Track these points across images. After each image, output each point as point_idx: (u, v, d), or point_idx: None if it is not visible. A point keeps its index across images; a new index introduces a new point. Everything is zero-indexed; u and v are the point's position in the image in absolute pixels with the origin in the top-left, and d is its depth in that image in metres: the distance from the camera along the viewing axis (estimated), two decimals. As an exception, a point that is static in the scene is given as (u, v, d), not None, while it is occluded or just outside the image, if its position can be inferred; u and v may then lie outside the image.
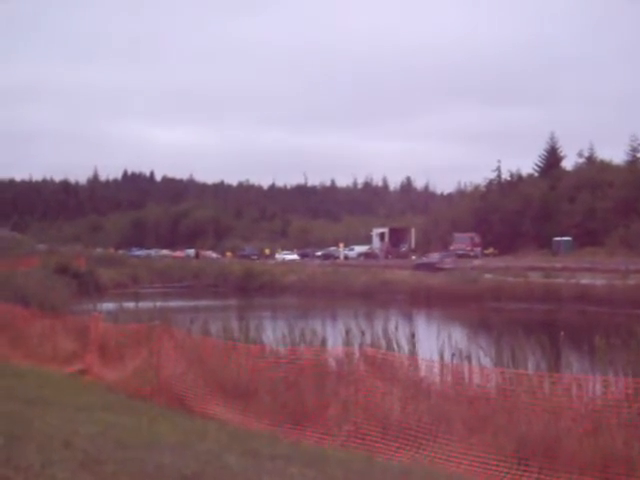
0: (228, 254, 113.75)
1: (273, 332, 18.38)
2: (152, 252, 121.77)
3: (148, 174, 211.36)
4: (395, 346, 15.77)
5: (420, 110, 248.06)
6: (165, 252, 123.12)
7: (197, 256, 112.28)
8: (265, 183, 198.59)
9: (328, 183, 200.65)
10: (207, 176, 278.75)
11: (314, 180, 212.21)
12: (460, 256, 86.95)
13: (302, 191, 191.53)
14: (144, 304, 26.95)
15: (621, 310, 40.73)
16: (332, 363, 13.73)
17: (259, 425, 12.32)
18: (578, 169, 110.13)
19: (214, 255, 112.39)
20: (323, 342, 16.71)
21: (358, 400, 11.88)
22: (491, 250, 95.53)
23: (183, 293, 66.17)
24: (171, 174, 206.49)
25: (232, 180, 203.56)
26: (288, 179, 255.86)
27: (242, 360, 14.51)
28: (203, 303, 50.86)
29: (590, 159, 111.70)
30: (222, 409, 13.37)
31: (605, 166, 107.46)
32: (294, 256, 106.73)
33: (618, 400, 10.62)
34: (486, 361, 13.92)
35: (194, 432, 10.56)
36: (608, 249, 78.90)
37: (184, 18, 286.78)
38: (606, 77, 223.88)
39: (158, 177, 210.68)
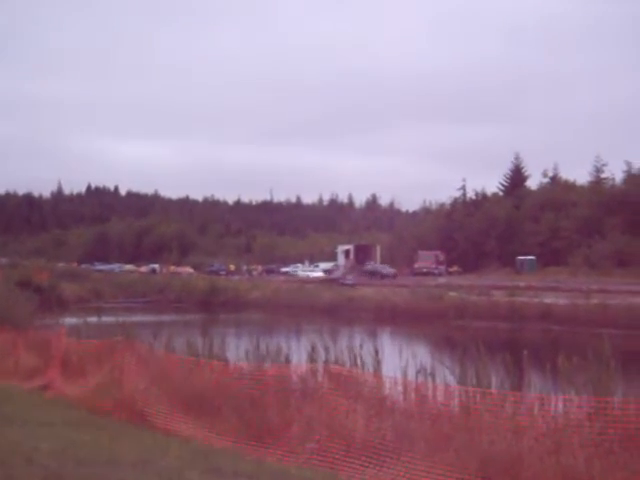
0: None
1: (237, 348, 18.31)
2: (115, 267, 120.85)
3: (112, 189, 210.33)
4: (359, 363, 15.75)
5: (386, 128, 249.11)
6: (129, 267, 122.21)
7: (157, 271, 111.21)
8: (230, 199, 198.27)
9: (294, 199, 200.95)
10: (172, 191, 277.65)
11: (280, 196, 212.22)
12: (425, 274, 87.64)
13: (267, 207, 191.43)
14: (107, 319, 26.76)
15: (583, 329, 41.02)
16: (296, 380, 13.70)
17: (222, 442, 12.24)
18: (542, 189, 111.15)
19: (190, 270, 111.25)
20: (287, 359, 16.66)
21: (322, 417, 11.85)
22: (455, 268, 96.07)
23: (146, 308, 65.76)
24: (136, 189, 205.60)
25: (197, 195, 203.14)
26: (254, 195, 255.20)
27: (206, 376, 14.44)
28: (167, 318, 50.59)
29: (554, 179, 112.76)
30: (185, 425, 13.28)
31: (569, 186, 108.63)
32: (319, 273, 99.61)
33: (580, 419, 10.68)
34: (450, 379, 13.94)
35: (156, 449, 10.48)
36: (571, 268, 79.52)
37: (152, 33, 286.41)
38: (571, 98, 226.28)
39: (122, 192, 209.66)
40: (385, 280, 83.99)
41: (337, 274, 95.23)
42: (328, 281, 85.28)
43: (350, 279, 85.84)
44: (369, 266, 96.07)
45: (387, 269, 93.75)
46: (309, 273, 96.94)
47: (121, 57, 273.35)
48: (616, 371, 13.33)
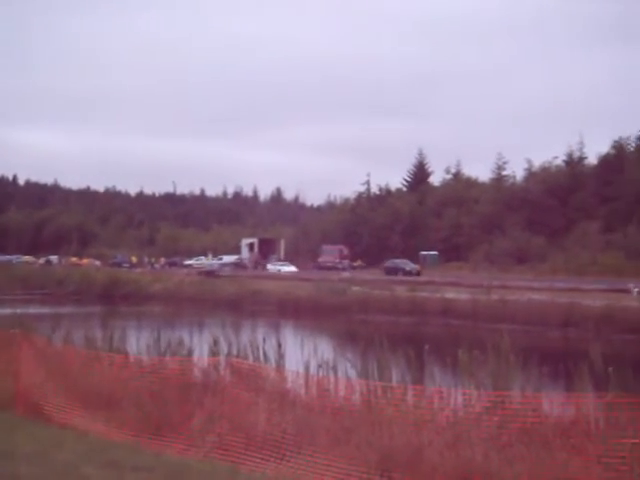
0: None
1: (138, 341, 18.09)
2: (13, 258, 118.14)
3: (10, 178, 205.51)
4: (262, 357, 15.71)
5: (292, 122, 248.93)
6: (28, 258, 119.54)
7: (52, 263, 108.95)
8: (133, 190, 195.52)
9: (198, 192, 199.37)
10: (72, 181, 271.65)
11: (183, 188, 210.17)
12: (329, 268, 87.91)
13: (171, 199, 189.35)
14: (3, 311, 26.16)
15: (483, 324, 41.69)
16: (198, 373, 13.58)
17: (121, 436, 12.07)
18: (445, 185, 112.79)
19: (96, 262, 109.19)
20: (189, 352, 16.52)
21: (223, 411, 11.77)
22: (359, 262, 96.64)
23: (45, 300, 64.44)
24: (35, 178, 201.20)
25: (98, 186, 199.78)
26: (157, 187, 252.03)
27: (105, 369, 14.21)
28: (66, 311, 49.67)
29: (457, 176, 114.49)
30: (83, 419, 13.05)
31: (471, 183, 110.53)
32: (291, 268, 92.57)
33: (479, 413, 10.82)
34: (352, 373, 13.99)
35: (52, 442, 10.27)
36: (472, 264, 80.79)
37: (55, 16, 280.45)
38: (475, 95, 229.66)
39: (21, 181, 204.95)
40: (409, 277, 74.90)
41: (213, 266, 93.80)
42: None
43: (226, 271, 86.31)
44: (390, 262, 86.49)
45: (410, 265, 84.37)
46: (280, 268, 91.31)
47: (21, 42, 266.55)
48: (515, 366, 13.56)
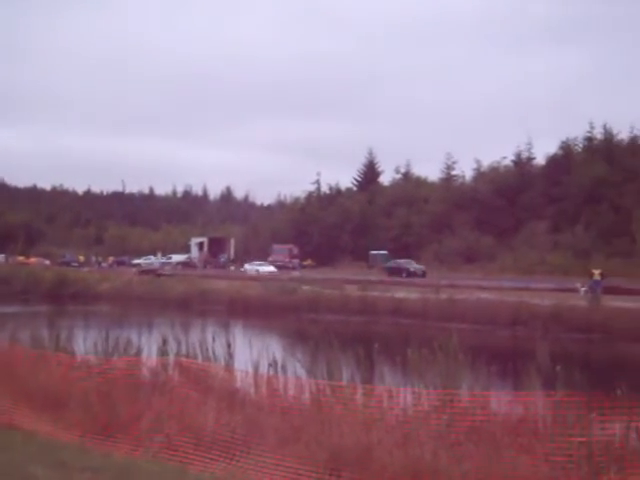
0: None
1: (85, 341, 17.91)
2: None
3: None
4: (211, 356, 15.64)
5: (242, 121, 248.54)
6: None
7: None
8: (80, 188, 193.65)
9: (146, 191, 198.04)
10: (19, 180, 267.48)
11: (132, 187, 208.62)
12: (279, 267, 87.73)
13: (119, 198, 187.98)
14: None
15: (433, 323, 41.88)
16: (146, 373, 13.49)
17: (69, 436, 11.94)
18: (395, 185, 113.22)
19: (46, 261, 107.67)
20: (138, 352, 16.40)
21: (172, 411, 11.70)
22: (309, 262, 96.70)
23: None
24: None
25: (46, 184, 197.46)
26: (105, 185, 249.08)
27: (52, 370, 14.05)
28: (11, 310, 49.07)
29: (407, 175, 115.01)
30: (30, 420, 12.88)
31: (421, 182, 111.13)
32: (270, 268, 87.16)
33: (428, 411, 10.87)
34: (301, 372, 13.99)
35: (-2, 444, 10.13)
36: (422, 263, 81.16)
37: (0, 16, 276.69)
38: (425, 95, 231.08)
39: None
40: (414, 279, 69.72)
41: (155, 265, 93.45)
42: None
43: (168, 270, 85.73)
44: (392, 262, 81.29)
45: (413, 265, 78.78)
46: (258, 268, 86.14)
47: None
48: (463, 365, 13.64)
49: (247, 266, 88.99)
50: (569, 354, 28.62)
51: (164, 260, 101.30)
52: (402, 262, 79.72)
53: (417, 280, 64.33)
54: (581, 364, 14.93)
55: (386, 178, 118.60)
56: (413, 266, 77.74)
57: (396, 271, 75.75)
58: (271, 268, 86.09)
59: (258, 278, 69.66)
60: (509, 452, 9.38)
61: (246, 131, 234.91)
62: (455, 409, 10.67)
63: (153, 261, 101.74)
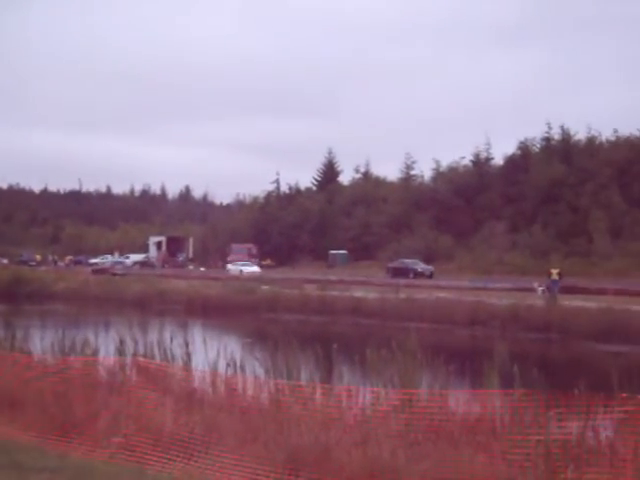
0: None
1: (41, 341, 17.74)
2: None
3: None
4: (169, 356, 15.57)
5: (201, 119, 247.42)
6: None
7: None
8: (37, 187, 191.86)
9: (104, 189, 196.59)
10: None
11: (89, 186, 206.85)
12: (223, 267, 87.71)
13: (76, 197, 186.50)
14: None
15: (392, 323, 41.97)
16: (103, 373, 13.39)
17: (26, 437, 11.81)
18: (354, 184, 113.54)
19: (4, 261, 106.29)
20: (95, 352, 16.27)
21: (130, 411, 11.61)
22: (268, 261, 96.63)
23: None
24: None
25: (2, 183, 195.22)
26: (62, 184, 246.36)
27: (7, 369, 13.90)
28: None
29: (366, 175, 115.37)
30: (-16, 421, 12.73)
31: (380, 182, 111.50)
32: (254, 268, 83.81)
33: (386, 411, 10.88)
34: (260, 372, 13.96)
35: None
36: (382, 263, 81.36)
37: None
38: (384, 94, 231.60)
39: None
40: (420, 280, 64.98)
41: (107, 264, 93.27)
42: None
43: (120, 269, 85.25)
44: (396, 262, 74.66)
45: (421, 265, 73.59)
46: (242, 268, 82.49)
47: None
48: (422, 364, 13.68)
49: (230, 266, 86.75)
50: (527, 353, 28.84)
51: (119, 259, 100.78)
52: (408, 262, 74.05)
53: (375, 279, 64.21)
54: (539, 363, 15.05)
55: (345, 178, 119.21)
56: (420, 266, 72.93)
57: (401, 272, 69.78)
58: (255, 268, 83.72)
59: (218, 277, 69.28)
60: (467, 450, 9.41)
61: (205, 130, 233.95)
62: (414, 409, 10.69)
63: (108, 260, 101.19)
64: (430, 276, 68.80)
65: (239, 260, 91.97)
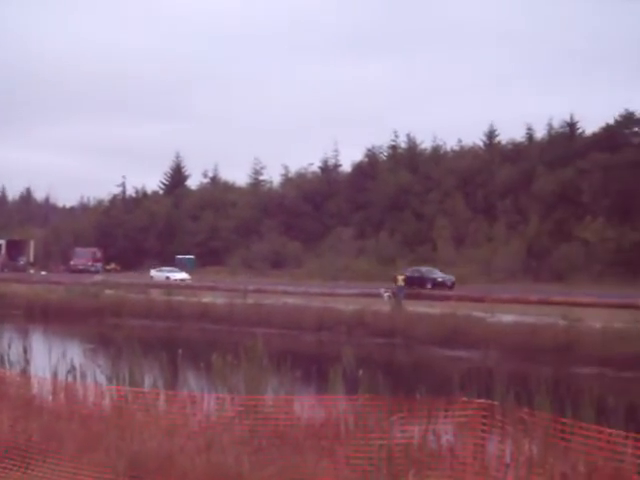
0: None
1: None
2: None
3: None
4: (6, 363, 15.06)
5: (43, 120, 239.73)
6: None
7: None
8: None
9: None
10: None
11: None
12: (81, 271, 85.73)
13: None
14: None
15: (240, 328, 41.82)
16: None
17: None
18: (202, 189, 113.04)
19: None
20: None
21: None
22: (113, 266, 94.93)
23: None
24: None
25: None
26: None
27: None
28: None
29: (214, 179, 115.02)
30: None
31: (228, 187, 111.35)
32: (182, 275, 76.72)
33: (231, 417, 10.79)
34: (102, 378, 13.66)
35: None
36: (230, 268, 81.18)
37: None
38: (234, 100, 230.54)
39: None
40: (441, 290, 55.48)
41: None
42: None
43: None
44: (409, 270, 60.76)
45: (438, 273, 61.57)
46: (169, 275, 76.18)
47: None
48: (268, 370, 13.66)
49: (154, 272, 79.84)
50: (372, 358, 29.21)
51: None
52: (424, 270, 62.05)
53: (223, 284, 63.82)
54: (383, 368, 15.23)
55: (194, 182, 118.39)
56: (439, 275, 61.16)
57: (416, 282, 57.77)
58: (184, 275, 76.33)
59: (61, 282, 67.44)
60: (311, 456, 9.41)
61: (48, 130, 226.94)
62: (259, 414, 10.64)
63: None
64: (451, 287, 58.11)
65: (82, 264, 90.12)
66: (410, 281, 56.11)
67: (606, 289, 53.13)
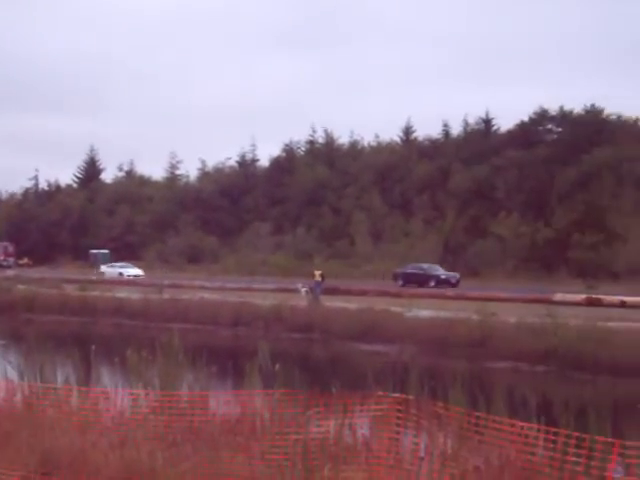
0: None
1: None
2: None
3: None
4: None
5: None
6: None
7: None
8: None
9: None
10: None
11: None
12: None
13: None
14: None
15: (155, 324, 41.47)
16: None
17: None
18: (117, 183, 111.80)
19: None
20: None
21: None
22: (25, 260, 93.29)
23: None
24: None
25: None
26: None
27: None
28: None
29: (130, 173, 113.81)
30: None
31: (144, 181, 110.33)
32: (136, 271, 72.94)
33: (146, 413, 10.68)
34: (13, 374, 13.40)
35: None
36: (146, 263, 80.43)
37: None
38: (152, 93, 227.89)
39: None
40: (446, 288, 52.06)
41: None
42: None
43: None
44: (409, 267, 58.72)
45: (441, 270, 58.29)
46: (121, 271, 72.58)
47: None
48: (184, 365, 13.55)
49: (105, 268, 76.19)
50: (289, 353, 29.19)
51: None
52: (426, 267, 58.44)
53: (139, 280, 63.05)
54: (300, 363, 15.25)
55: (108, 176, 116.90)
56: (442, 272, 57.96)
57: (418, 279, 55.97)
58: (138, 271, 72.87)
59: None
60: (227, 451, 9.35)
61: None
62: (174, 410, 10.54)
63: None
64: (456, 284, 55.05)
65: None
66: (410, 278, 55.92)
67: (521, 284, 53.99)
